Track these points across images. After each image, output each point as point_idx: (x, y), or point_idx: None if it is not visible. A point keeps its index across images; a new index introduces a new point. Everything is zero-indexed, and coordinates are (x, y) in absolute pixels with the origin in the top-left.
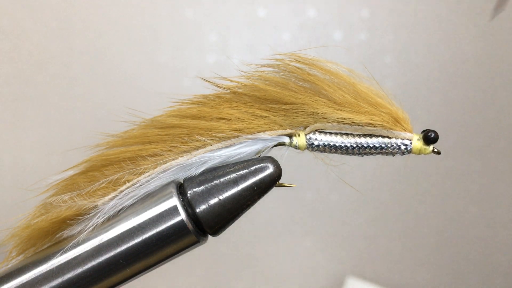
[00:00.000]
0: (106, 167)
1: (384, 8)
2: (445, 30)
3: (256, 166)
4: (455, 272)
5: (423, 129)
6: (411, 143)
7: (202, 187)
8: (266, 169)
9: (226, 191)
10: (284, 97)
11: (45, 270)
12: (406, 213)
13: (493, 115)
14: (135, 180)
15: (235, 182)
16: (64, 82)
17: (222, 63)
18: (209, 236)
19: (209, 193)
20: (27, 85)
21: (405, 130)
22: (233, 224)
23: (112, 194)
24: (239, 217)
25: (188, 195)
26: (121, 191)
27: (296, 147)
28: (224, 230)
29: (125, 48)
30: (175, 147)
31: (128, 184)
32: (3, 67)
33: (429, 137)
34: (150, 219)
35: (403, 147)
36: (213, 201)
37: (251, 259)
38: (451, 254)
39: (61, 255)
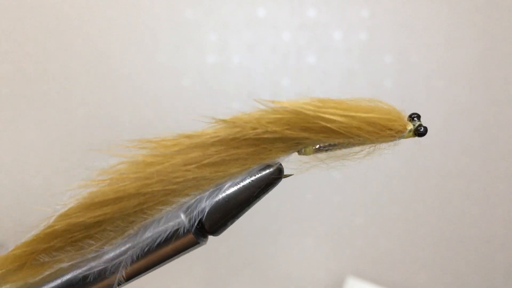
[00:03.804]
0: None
1: (384, 8)
2: (445, 30)
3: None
4: (455, 272)
5: (411, 115)
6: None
7: None
8: (267, 168)
9: (227, 190)
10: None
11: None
12: (406, 213)
13: (493, 115)
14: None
15: (236, 181)
16: (63, 82)
17: (222, 63)
18: (209, 236)
19: (209, 193)
20: (27, 85)
21: (401, 132)
22: (233, 224)
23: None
24: (240, 216)
25: None
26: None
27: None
28: (224, 230)
29: (124, 48)
30: (191, 189)
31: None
32: (3, 67)
33: (419, 132)
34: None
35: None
36: (213, 201)
37: (251, 259)
38: (451, 254)
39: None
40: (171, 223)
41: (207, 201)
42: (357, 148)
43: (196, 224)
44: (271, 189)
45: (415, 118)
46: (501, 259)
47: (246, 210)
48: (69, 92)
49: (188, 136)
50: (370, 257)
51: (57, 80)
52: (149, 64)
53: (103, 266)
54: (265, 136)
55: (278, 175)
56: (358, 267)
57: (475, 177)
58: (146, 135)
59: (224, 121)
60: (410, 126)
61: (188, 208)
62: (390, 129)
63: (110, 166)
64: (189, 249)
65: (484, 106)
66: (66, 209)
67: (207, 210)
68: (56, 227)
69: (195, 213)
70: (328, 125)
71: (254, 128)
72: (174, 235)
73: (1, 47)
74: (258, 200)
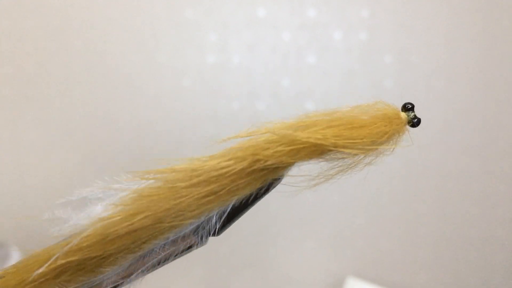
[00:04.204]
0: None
1: (384, 8)
2: (445, 30)
3: None
4: (455, 272)
5: (406, 105)
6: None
7: None
8: None
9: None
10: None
11: None
12: (406, 213)
13: (493, 115)
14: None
15: None
16: (63, 82)
17: (222, 63)
18: (210, 236)
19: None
20: (27, 85)
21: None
22: (233, 224)
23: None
24: (241, 216)
25: None
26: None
27: None
28: (225, 229)
29: (125, 48)
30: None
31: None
32: (3, 67)
33: (413, 123)
34: None
35: None
36: (224, 216)
37: (251, 259)
38: (451, 254)
39: None
40: (183, 242)
41: (217, 216)
42: (360, 156)
43: (207, 239)
44: (272, 189)
45: (409, 109)
46: (501, 259)
47: (248, 210)
48: (69, 92)
49: (202, 170)
50: (370, 257)
51: (57, 80)
52: (149, 64)
53: (113, 285)
54: (281, 165)
55: (280, 178)
56: (359, 267)
57: (475, 177)
58: (146, 137)
59: (241, 157)
60: (405, 117)
61: (198, 226)
62: (394, 137)
63: (121, 199)
64: (189, 249)
65: (484, 106)
66: (77, 242)
67: (218, 226)
68: (68, 261)
69: (206, 229)
70: (344, 156)
71: (269, 159)
72: (186, 251)
73: (1, 47)
74: (259, 200)
